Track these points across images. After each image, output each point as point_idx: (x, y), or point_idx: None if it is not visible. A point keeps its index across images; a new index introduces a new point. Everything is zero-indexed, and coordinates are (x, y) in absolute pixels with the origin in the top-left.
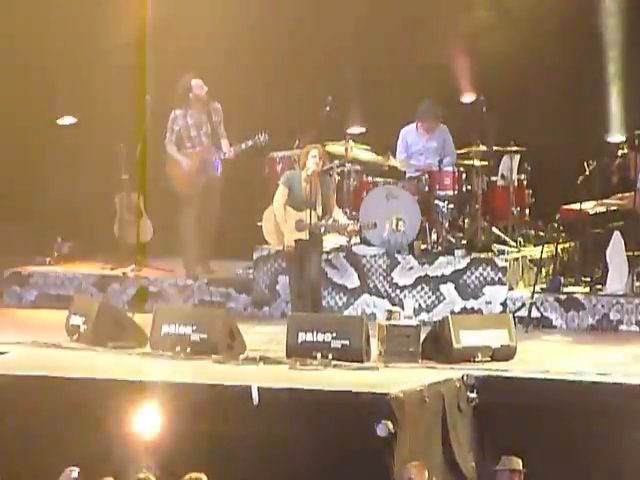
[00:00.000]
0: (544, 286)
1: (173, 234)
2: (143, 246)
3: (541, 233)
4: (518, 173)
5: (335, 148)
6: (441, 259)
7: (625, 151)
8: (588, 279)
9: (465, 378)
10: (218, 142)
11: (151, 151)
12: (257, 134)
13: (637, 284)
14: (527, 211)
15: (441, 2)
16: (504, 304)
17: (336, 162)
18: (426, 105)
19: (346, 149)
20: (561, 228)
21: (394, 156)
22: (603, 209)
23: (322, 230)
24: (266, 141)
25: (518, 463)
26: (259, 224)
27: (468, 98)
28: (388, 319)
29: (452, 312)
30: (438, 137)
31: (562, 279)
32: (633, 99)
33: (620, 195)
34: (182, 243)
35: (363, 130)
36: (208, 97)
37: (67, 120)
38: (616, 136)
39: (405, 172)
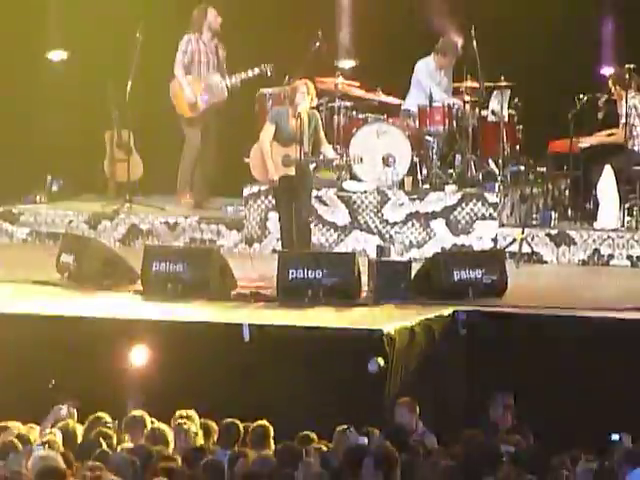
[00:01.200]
0: (535, 221)
1: (164, 172)
2: (134, 183)
3: (532, 168)
4: (508, 108)
5: (324, 84)
6: (432, 195)
7: (612, 85)
8: (579, 214)
9: (456, 314)
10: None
11: (141, 88)
12: (262, 64)
13: (628, 219)
14: (517, 146)
15: None
16: (495, 240)
17: (325, 98)
18: (452, 42)
19: (335, 85)
20: (551, 163)
21: (384, 92)
22: (594, 143)
23: (310, 165)
24: (271, 71)
25: (510, 398)
26: (246, 160)
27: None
28: (379, 255)
29: (443, 248)
30: (449, 73)
31: (553, 214)
32: (624, 32)
33: (610, 130)
34: (185, 169)
35: (353, 64)
36: (219, 30)
37: (57, 55)
38: (606, 69)
39: (400, 106)
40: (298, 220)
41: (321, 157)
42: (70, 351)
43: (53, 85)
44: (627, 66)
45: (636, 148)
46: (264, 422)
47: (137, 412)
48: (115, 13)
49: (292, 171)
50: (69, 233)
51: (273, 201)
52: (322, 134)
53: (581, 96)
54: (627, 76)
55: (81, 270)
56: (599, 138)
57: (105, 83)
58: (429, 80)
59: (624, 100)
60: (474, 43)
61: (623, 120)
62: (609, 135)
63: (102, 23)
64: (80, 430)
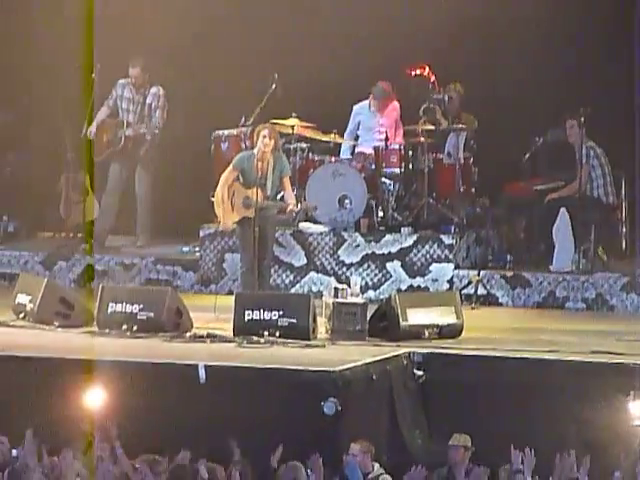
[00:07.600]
0: (490, 263)
1: (120, 213)
2: (89, 225)
3: (487, 210)
4: (464, 151)
5: (280, 126)
6: (388, 237)
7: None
8: (534, 256)
9: (412, 355)
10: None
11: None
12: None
13: (583, 261)
14: (473, 189)
15: None
16: (451, 281)
17: (282, 140)
18: (380, 86)
19: (292, 127)
20: (507, 205)
21: (340, 134)
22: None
23: (273, 209)
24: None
25: (468, 440)
26: (212, 198)
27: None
28: (335, 297)
29: (399, 290)
30: (391, 114)
31: (508, 256)
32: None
33: (564, 182)
34: None
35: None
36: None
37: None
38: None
39: (354, 148)
40: (260, 262)
41: (280, 201)
42: (25, 392)
43: (9, 127)
44: (582, 109)
45: (593, 192)
46: None
47: None
48: (70, 57)
49: (252, 213)
50: (25, 274)
51: (229, 242)
52: (287, 178)
53: (536, 139)
54: (582, 120)
55: (37, 311)
56: (554, 186)
57: (61, 125)
58: (352, 126)
59: (582, 145)
60: (430, 84)
61: (581, 165)
62: (564, 186)
63: (57, 66)
64: None
